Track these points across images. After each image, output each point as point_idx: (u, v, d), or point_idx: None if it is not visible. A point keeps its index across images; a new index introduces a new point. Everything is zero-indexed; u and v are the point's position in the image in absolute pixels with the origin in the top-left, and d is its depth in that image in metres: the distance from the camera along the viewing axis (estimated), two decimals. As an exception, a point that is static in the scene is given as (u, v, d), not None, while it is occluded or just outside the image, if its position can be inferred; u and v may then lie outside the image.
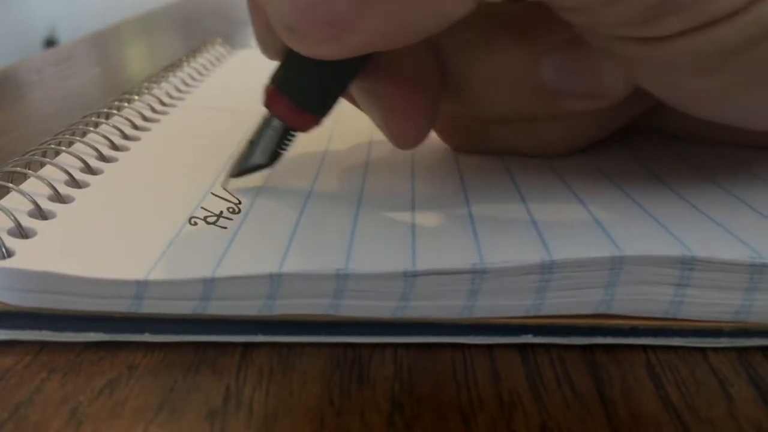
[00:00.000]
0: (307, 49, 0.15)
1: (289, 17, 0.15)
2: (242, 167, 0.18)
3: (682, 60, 0.15)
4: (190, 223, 0.16)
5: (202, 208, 0.17)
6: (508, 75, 0.18)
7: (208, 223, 0.16)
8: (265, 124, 0.18)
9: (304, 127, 0.18)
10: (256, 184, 0.19)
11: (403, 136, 0.19)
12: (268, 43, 0.17)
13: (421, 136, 0.19)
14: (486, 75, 0.18)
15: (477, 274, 0.14)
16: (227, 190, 0.18)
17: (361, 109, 0.20)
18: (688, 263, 0.15)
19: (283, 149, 0.18)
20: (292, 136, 0.18)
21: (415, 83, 0.18)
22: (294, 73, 0.17)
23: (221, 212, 0.17)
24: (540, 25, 0.18)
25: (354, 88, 0.19)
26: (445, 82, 0.19)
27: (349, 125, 0.24)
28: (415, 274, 0.14)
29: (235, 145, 0.22)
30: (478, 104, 0.19)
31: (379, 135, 0.23)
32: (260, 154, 0.18)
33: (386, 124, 0.18)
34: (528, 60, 0.18)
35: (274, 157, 0.18)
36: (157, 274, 0.14)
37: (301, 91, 0.17)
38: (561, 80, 0.18)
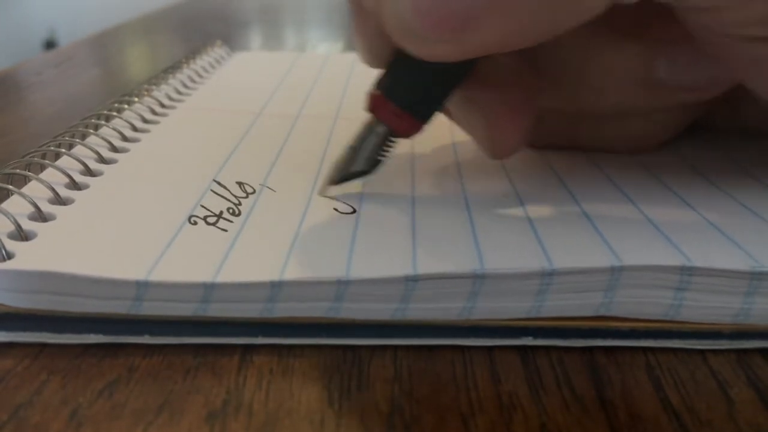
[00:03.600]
0: (424, 50, 0.15)
1: (408, 19, 0.15)
2: (343, 174, 0.18)
3: None
4: (190, 222, 0.16)
5: (201, 206, 0.17)
6: (623, 69, 0.18)
7: (209, 223, 0.16)
8: (368, 130, 0.18)
9: (409, 133, 0.18)
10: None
11: (505, 144, 0.19)
12: (374, 50, 0.17)
13: (520, 144, 0.19)
14: (601, 69, 0.19)
15: (477, 278, 0.14)
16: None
17: (456, 120, 0.20)
18: (687, 271, 0.15)
19: (384, 156, 0.18)
20: (393, 142, 0.18)
21: (516, 90, 0.18)
22: (401, 79, 0.17)
23: (221, 212, 0.17)
24: (656, 20, 0.18)
25: (454, 98, 0.18)
26: (543, 80, 0.19)
27: (348, 129, 0.24)
28: (416, 279, 0.14)
29: (235, 146, 0.22)
30: (585, 99, 0.19)
31: None
32: (362, 160, 0.18)
33: (489, 133, 0.18)
34: (644, 54, 0.18)
35: (374, 164, 0.18)
36: (158, 275, 0.14)
37: (408, 97, 0.17)
38: (675, 74, 0.18)
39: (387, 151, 0.18)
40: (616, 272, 0.14)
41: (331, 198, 0.18)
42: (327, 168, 0.19)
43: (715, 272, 0.15)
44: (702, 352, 0.15)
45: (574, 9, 0.14)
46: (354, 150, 0.18)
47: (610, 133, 0.21)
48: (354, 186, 0.18)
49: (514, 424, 0.13)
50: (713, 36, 0.16)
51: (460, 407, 0.13)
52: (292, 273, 0.14)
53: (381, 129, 0.18)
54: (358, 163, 0.18)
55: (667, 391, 0.14)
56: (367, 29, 0.17)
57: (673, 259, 0.15)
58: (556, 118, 0.21)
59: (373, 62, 0.18)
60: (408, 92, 0.17)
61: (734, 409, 0.13)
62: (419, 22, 0.15)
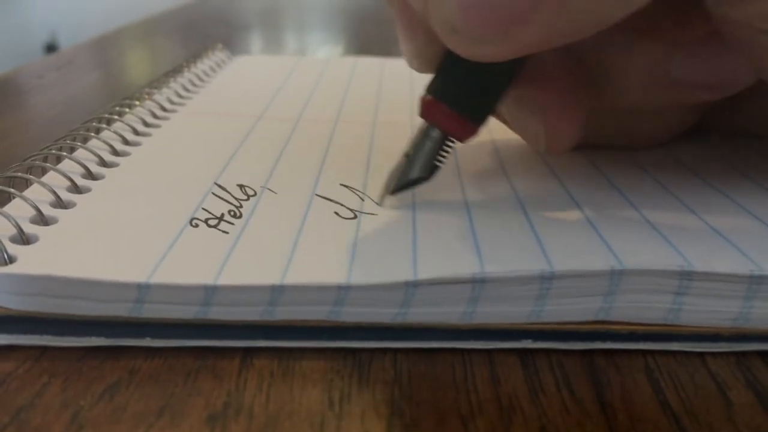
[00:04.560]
0: (472, 50, 0.15)
1: (454, 18, 0.15)
2: (401, 182, 0.18)
3: None
4: (192, 225, 0.16)
5: (203, 209, 0.17)
6: (641, 68, 0.19)
7: (210, 226, 0.17)
8: (423, 135, 0.18)
9: (465, 136, 0.18)
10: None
11: (562, 139, 0.19)
12: (423, 55, 0.17)
13: (577, 138, 0.19)
14: (621, 67, 0.19)
15: (477, 283, 0.14)
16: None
17: (510, 121, 0.20)
18: (687, 275, 0.15)
19: (441, 161, 0.18)
20: (450, 146, 0.18)
21: (568, 86, 0.18)
22: (453, 82, 0.17)
23: (222, 215, 0.17)
24: (675, 18, 0.18)
25: (507, 98, 0.18)
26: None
27: (349, 133, 0.24)
28: (416, 284, 0.14)
29: (236, 149, 0.22)
30: (607, 96, 0.19)
31: (382, 138, 0.24)
32: (419, 167, 0.18)
33: (546, 129, 0.18)
34: (661, 53, 0.18)
35: (432, 169, 0.18)
36: (159, 278, 0.14)
37: (462, 99, 0.17)
38: (691, 73, 0.18)
39: (444, 156, 0.18)
40: (615, 276, 0.15)
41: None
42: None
43: (714, 276, 0.15)
44: (701, 354, 0.15)
45: (620, 3, 0.14)
46: (410, 157, 0.18)
47: (620, 131, 0.21)
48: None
49: (514, 426, 0.13)
50: (739, 30, 0.16)
51: (460, 410, 0.13)
52: (293, 277, 0.14)
53: (436, 134, 0.18)
54: (415, 170, 0.18)
55: (667, 394, 0.14)
56: (415, 33, 0.17)
57: (672, 263, 0.15)
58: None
59: (422, 67, 0.18)
60: (461, 94, 0.17)
61: (733, 411, 0.13)
62: (466, 21, 0.14)
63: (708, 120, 0.23)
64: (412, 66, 0.18)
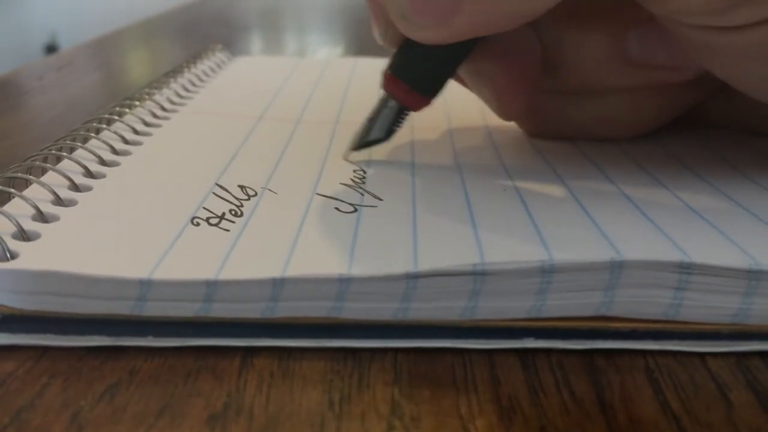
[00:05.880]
0: (417, 34, 0.17)
1: (405, 6, 0.17)
2: (362, 141, 0.21)
3: (756, 49, 0.16)
4: (193, 224, 0.17)
5: (204, 208, 0.17)
6: (597, 48, 0.20)
7: (211, 224, 0.17)
8: (382, 104, 0.21)
9: (417, 107, 0.20)
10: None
11: (512, 109, 0.21)
12: (387, 35, 0.20)
13: (525, 109, 0.21)
14: (576, 48, 0.20)
15: (478, 275, 0.14)
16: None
17: (470, 89, 0.22)
18: (686, 268, 0.15)
19: (398, 126, 0.21)
20: (406, 114, 0.21)
21: (520, 61, 0.20)
22: (408, 60, 0.20)
23: (223, 214, 0.17)
24: (626, 2, 0.19)
25: (463, 70, 0.21)
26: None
27: (349, 133, 0.24)
28: (416, 276, 0.14)
29: (236, 150, 0.22)
30: (567, 77, 0.21)
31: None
32: (378, 130, 0.21)
33: (496, 100, 0.21)
34: (615, 33, 0.20)
35: (389, 133, 0.21)
36: (161, 274, 0.14)
37: (415, 76, 0.20)
38: (646, 53, 0.20)
39: (400, 123, 0.21)
40: (615, 269, 0.15)
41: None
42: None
43: (713, 270, 0.15)
44: (701, 355, 0.15)
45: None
46: (371, 122, 0.21)
47: (596, 116, 0.22)
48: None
49: (514, 426, 0.13)
50: (671, 25, 0.17)
51: (460, 410, 0.13)
52: (294, 270, 0.14)
53: (393, 104, 0.20)
54: (375, 132, 0.21)
55: (667, 394, 0.14)
56: (379, 17, 0.20)
57: (672, 256, 0.15)
58: (545, 101, 0.22)
59: (386, 45, 0.20)
60: (415, 71, 0.20)
61: (733, 412, 0.13)
62: (413, 10, 0.17)
63: (702, 112, 0.24)
64: (380, 43, 0.21)
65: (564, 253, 0.15)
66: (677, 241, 0.16)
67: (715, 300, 0.15)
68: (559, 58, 0.21)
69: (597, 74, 0.21)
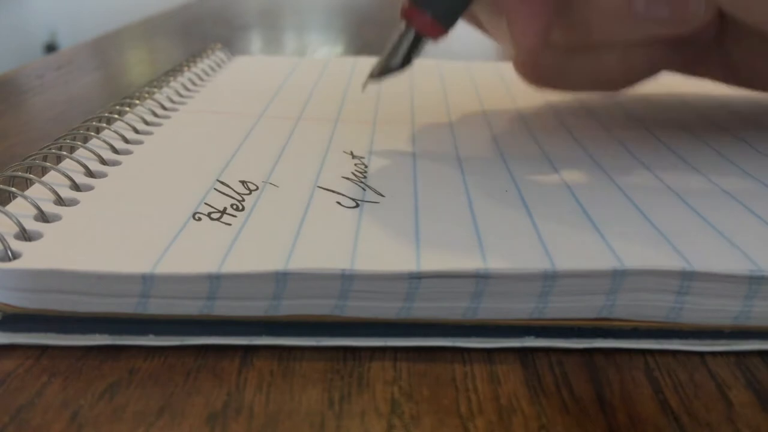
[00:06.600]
0: None
1: None
2: (381, 69, 0.22)
3: None
4: (195, 219, 0.17)
5: (205, 203, 0.17)
6: (604, 2, 0.21)
7: (212, 219, 0.17)
8: (402, 35, 0.22)
9: (435, 35, 0.21)
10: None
11: (525, 42, 0.22)
12: None
13: (541, 41, 0.22)
14: (584, 2, 0.21)
15: (480, 278, 0.14)
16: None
17: (484, 28, 0.24)
18: (688, 276, 0.15)
19: (414, 56, 0.22)
20: (423, 44, 0.22)
21: None
22: None
23: (225, 208, 0.17)
24: None
25: (478, 6, 0.23)
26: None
27: (349, 132, 0.24)
28: (419, 276, 0.14)
29: (237, 148, 0.22)
30: (572, 29, 0.22)
31: (382, 136, 0.24)
32: (397, 58, 0.22)
33: (511, 31, 0.22)
34: None
35: (407, 60, 0.22)
36: (163, 268, 0.14)
37: (434, 6, 0.21)
38: (652, 8, 0.21)
39: (417, 52, 0.22)
40: (618, 276, 0.15)
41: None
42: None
43: (714, 277, 0.15)
44: (701, 354, 0.15)
45: None
46: (390, 52, 0.22)
47: (590, 72, 0.23)
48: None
49: (514, 425, 0.13)
50: None
51: (460, 409, 0.13)
52: (296, 263, 0.14)
53: (411, 34, 0.21)
54: (394, 60, 0.22)
55: (666, 393, 0.14)
56: None
57: (673, 263, 0.15)
58: (546, 57, 0.23)
59: None
60: (434, 2, 0.21)
61: (733, 411, 0.13)
62: None
63: (697, 67, 0.25)
64: None
65: (566, 261, 0.15)
66: (679, 247, 0.15)
67: (716, 304, 0.15)
68: (568, 9, 0.22)
69: (602, 28, 0.22)
